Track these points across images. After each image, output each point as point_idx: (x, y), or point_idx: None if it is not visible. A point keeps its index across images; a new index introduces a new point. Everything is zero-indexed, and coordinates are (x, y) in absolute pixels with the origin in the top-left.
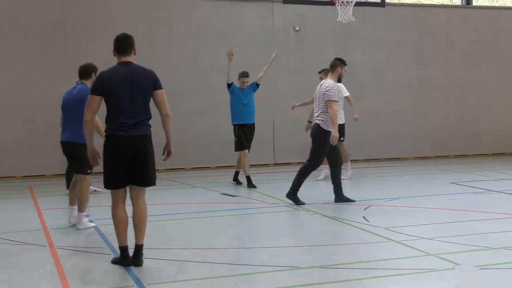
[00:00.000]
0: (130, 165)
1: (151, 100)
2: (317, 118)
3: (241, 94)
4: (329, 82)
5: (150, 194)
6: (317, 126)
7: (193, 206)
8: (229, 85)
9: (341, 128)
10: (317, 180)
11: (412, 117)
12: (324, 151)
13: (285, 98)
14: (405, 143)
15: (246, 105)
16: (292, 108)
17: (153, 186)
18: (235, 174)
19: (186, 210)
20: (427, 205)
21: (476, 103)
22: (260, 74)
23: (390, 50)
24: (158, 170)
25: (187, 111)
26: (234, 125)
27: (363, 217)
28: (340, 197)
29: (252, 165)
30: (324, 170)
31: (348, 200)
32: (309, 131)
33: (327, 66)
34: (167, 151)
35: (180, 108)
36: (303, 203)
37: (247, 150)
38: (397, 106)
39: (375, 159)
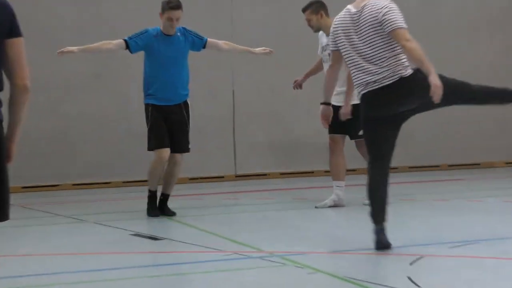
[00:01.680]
0: None
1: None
2: (376, 78)
3: (164, 46)
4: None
5: None
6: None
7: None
8: (129, 41)
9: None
10: (316, 207)
11: None
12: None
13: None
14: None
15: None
16: (295, 87)
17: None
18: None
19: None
20: None
21: None
22: (225, 47)
23: None
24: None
25: None
26: (147, 104)
27: (409, 278)
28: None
29: (190, 179)
30: (335, 190)
31: (383, 244)
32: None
33: None
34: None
35: None
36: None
37: (168, 150)
38: None
39: (429, 166)
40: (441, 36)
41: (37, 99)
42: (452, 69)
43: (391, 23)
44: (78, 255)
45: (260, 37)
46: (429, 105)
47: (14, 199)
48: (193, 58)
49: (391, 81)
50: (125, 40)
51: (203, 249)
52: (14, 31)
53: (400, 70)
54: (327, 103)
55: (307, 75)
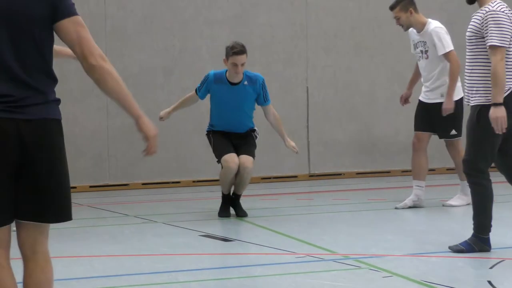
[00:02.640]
0: (15, 179)
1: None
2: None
3: (227, 93)
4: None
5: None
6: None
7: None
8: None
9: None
10: (396, 208)
11: None
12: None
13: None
14: None
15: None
16: (403, 103)
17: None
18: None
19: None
20: None
21: None
22: (271, 119)
23: None
24: None
25: None
26: (208, 132)
27: (489, 282)
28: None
29: (262, 179)
30: (415, 190)
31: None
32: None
33: None
34: (143, 137)
35: None
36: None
37: (233, 154)
38: None
39: None
40: None
41: (106, 97)
42: None
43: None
44: (147, 256)
45: (335, 26)
46: None
47: (82, 199)
48: (266, 55)
49: None
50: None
51: (275, 251)
52: (61, 12)
53: None
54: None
55: (411, 86)
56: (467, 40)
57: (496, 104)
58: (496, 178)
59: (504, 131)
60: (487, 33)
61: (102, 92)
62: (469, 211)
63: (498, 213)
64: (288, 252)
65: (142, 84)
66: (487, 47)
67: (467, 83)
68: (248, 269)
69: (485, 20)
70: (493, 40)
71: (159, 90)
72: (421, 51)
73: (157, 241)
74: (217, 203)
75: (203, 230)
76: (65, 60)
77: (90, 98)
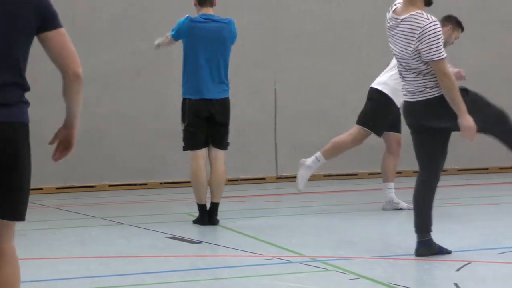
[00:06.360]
0: None
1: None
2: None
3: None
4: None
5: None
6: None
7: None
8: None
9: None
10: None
11: None
12: None
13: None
14: None
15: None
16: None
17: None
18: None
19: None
20: None
21: None
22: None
23: None
24: None
25: None
26: (184, 99)
27: (455, 284)
28: (429, 248)
29: (229, 181)
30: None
31: (439, 251)
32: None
33: None
34: (65, 141)
35: None
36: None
37: (204, 150)
38: None
39: (478, 169)
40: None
41: None
42: None
43: (429, 54)
44: (114, 258)
45: (305, 29)
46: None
47: (49, 201)
48: (235, 56)
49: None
50: None
51: (242, 253)
52: (47, 24)
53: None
54: None
55: None
56: None
57: None
58: (464, 181)
59: None
60: None
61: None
62: (439, 213)
63: (466, 215)
64: (256, 254)
65: (110, 85)
66: None
67: None
68: (216, 271)
69: None
70: None
71: (127, 91)
72: None
73: (124, 243)
74: (184, 205)
75: (170, 232)
76: (33, 62)
77: (58, 100)
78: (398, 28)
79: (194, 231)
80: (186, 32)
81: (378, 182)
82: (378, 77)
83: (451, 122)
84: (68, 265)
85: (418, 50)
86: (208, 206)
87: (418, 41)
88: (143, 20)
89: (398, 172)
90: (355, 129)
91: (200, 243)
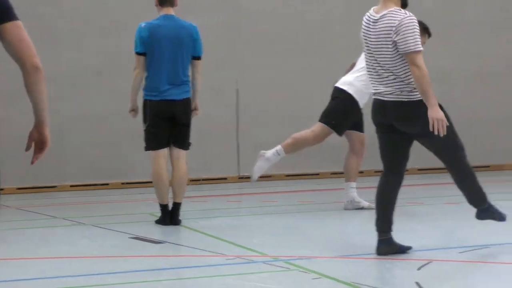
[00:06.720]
0: None
1: None
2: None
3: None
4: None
5: None
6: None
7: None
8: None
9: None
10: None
11: None
12: None
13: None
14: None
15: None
16: None
17: None
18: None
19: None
20: None
21: None
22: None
23: None
24: None
25: None
26: (146, 100)
27: (417, 283)
28: (389, 246)
29: (192, 181)
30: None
31: (400, 249)
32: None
33: None
34: (38, 142)
35: None
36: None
37: (166, 150)
38: None
39: (439, 168)
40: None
41: None
42: None
43: (405, 45)
44: (77, 259)
45: (268, 30)
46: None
47: (8, 201)
48: None
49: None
50: None
51: (205, 253)
52: (4, 15)
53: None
54: None
55: None
56: None
57: None
58: (425, 181)
59: None
60: None
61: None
62: (400, 212)
63: (427, 215)
64: (218, 254)
65: (73, 84)
66: None
67: None
68: (179, 271)
69: None
70: None
71: (90, 90)
72: None
73: (86, 244)
74: (146, 205)
75: (133, 232)
76: None
77: (19, 99)
78: (377, 26)
79: (157, 231)
80: (147, 38)
81: (340, 182)
82: (343, 77)
83: (420, 128)
84: (32, 266)
85: (395, 42)
86: (170, 206)
87: (395, 33)
88: (106, 19)
89: (360, 172)
90: (317, 126)
91: (162, 243)
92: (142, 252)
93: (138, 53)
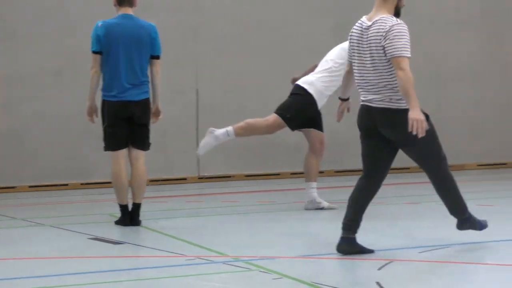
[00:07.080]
0: None
1: None
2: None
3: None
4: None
5: None
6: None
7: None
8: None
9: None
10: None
11: None
12: None
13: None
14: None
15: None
16: (292, 82)
17: None
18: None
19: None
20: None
21: None
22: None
23: None
24: None
25: None
26: (104, 101)
27: (377, 283)
28: (351, 246)
29: (151, 181)
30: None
31: (361, 251)
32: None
33: None
34: None
35: None
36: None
37: (125, 150)
38: None
39: (399, 168)
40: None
41: None
42: None
43: (392, 49)
44: (35, 260)
45: (226, 29)
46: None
47: None
48: None
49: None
50: None
51: (164, 254)
52: None
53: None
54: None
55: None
56: None
57: None
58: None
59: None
60: None
61: None
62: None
63: (388, 214)
64: (179, 254)
65: (33, 84)
66: None
67: None
68: (138, 272)
69: None
70: None
71: (49, 91)
72: None
73: (45, 244)
74: (106, 206)
75: (92, 233)
76: None
77: None
78: (369, 32)
79: (116, 232)
80: (104, 37)
81: (300, 182)
82: (305, 76)
83: (404, 136)
84: None
85: (383, 47)
86: (130, 206)
87: (384, 38)
88: (64, 18)
89: (320, 172)
90: (272, 116)
91: (122, 243)
92: (101, 253)
93: (94, 52)
